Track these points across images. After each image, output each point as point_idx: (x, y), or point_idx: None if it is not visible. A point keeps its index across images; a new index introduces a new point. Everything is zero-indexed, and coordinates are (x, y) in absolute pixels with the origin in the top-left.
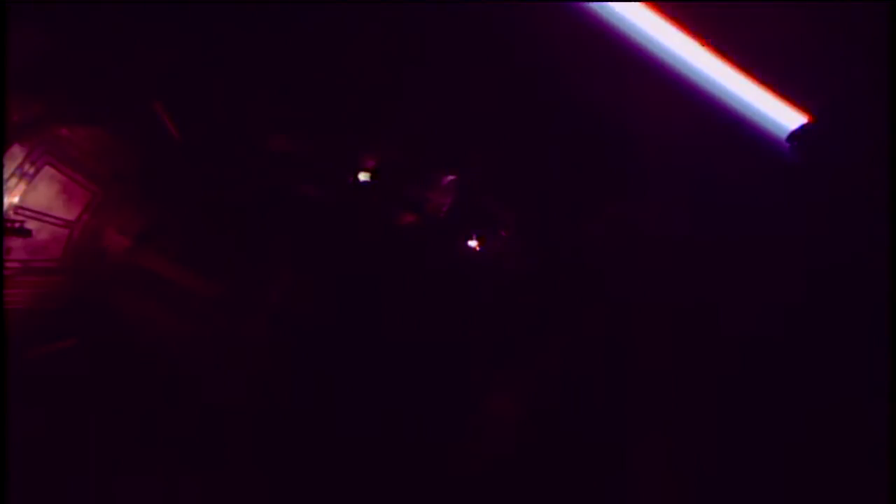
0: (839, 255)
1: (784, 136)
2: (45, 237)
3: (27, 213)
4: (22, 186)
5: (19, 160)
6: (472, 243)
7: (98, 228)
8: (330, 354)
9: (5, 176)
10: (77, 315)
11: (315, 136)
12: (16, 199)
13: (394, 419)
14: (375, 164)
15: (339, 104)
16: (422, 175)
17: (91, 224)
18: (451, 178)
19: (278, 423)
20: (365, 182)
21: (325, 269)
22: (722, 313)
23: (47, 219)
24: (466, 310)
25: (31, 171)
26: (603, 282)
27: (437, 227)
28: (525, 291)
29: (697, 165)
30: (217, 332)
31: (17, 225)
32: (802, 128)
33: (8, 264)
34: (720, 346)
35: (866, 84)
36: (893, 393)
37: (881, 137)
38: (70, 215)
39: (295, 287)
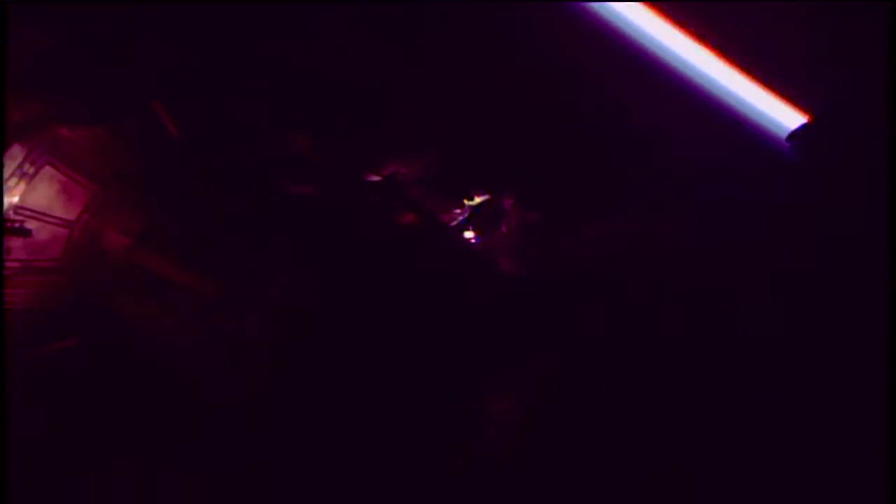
0: (839, 255)
1: (784, 136)
2: (45, 237)
3: (27, 213)
4: (22, 186)
5: (19, 160)
6: (469, 234)
7: (98, 228)
8: (330, 354)
9: (5, 176)
10: (77, 315)
11: (315, 136)
12: (16, 199)
13: (394, 419)
14: (385, 166)
15: (340, 104)
16: (423, 175)
17: (91, 224)
18: (451, 178)
19: (278, 423)
20: (376, 182)
21: (325, 268)
22: (722, 313)
23: (47, 219)
24: (466, 309)
25: (31, 171)
26: (603, 282)
27: (437, 226)
28: (525, 291)
29: (697, 165)
30: (217, 332)
31: (17, 225)
32: (802, 128)
33: (8, 264)
34: (720, 345)
35: (866, 84)
36: (893, 392)
37: (881, 137)
38: (70, 215)
39: (295, 287)
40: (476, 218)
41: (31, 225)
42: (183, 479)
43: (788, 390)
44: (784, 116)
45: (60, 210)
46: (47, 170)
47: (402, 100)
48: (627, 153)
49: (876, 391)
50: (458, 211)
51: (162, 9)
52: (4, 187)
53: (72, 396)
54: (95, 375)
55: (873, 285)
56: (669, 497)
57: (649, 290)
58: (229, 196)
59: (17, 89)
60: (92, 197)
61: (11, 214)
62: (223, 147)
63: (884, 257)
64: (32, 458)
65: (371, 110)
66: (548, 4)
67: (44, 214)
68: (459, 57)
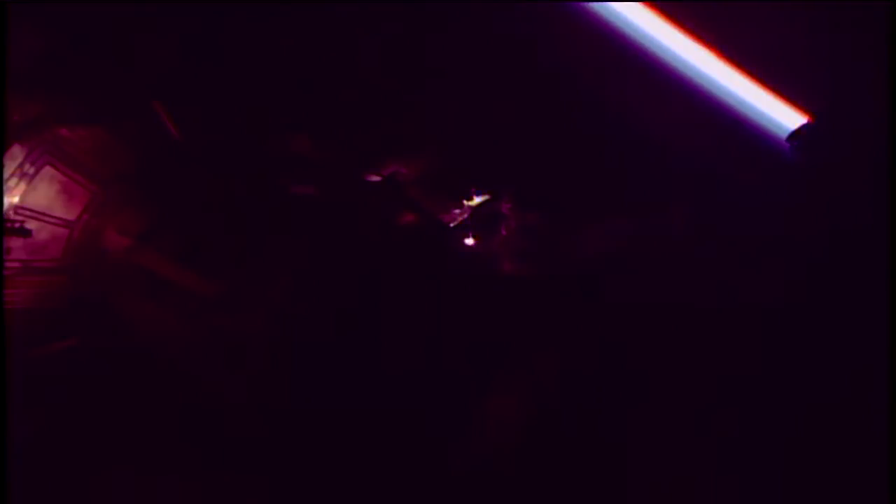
0: (839, 255)
1: (784, 136)
2: (45, 237)
3: (27, 213)
4: (22, 186)
5: (19, 160)
6: (469, 241)
7: (98, 228)
8: (330, 354)
9: (5, 176)
10: (77, 315)
11: (315, 136)
12: (16, 199)
13: (394, 419)
14: (385, 166)
15: (340, 104)
16: (423, 175)
17: (91, 224)
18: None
19: (278, 423)
20: (376, 182)
21: (325, 268)
22: (721, 313)
23: (47, 219)
24: (467, 310)
25: (31, 171)
26: (603, 282)
27: (438, 226)
28: (525, 291)
29: (697, 165)
30: (217, 332)
31: (17, 225)
32: (802, 128)
33: (8, 264)
34: (720, 345)
35: (866, 84)
36: (893, 392)
37: (881, 137)
38: (70, 215)
39: (295, 286)
40: (476, 219)
41: (31, 225)
42: (183, 479)
43: (788, 390)
44: (784, 116)
45: (60, 210)
46: (47, 170)
47: (402, 100)
48: (627, 153)
49: (876, 392)
50: (457, 211)
51: (162, 9)
52: (4, 187)
53: (72, 396)
54: (95, 375)
55: (874, 285)
56: (669, 497)
57: (649, 290)
58: (229, 196)
59: (17, 89)
60: (92, 197)
61: (11, 214)
62: (223, 147)
63: (884, 257)
64: (32, 458)
65: (371, 110)
66: (548, 4)
67: (44, 214)
68: (459, 57)
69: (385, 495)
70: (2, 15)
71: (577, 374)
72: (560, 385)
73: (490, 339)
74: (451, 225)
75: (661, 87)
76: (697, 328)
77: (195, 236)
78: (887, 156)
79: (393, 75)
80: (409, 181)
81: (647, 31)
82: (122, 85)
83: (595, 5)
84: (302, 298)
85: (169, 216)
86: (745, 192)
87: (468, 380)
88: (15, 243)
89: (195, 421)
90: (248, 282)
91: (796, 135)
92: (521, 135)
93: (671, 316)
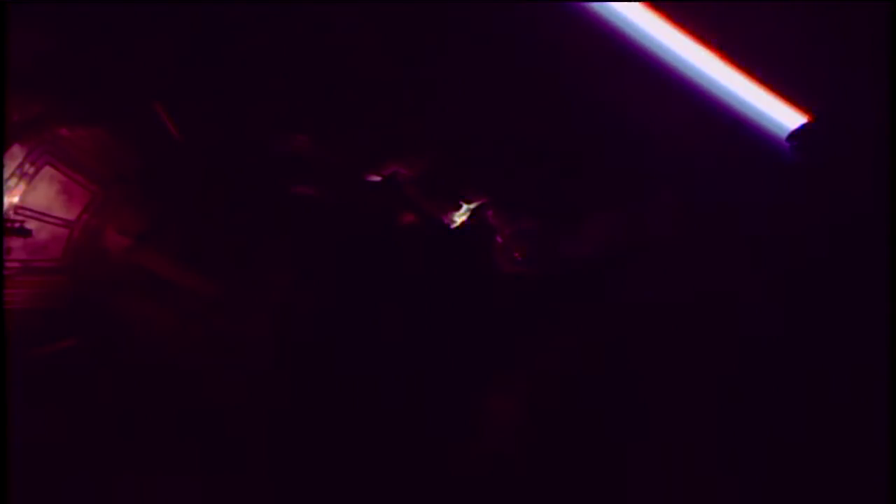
0: (839, 255)
1: (784, 136)
2: (45, 237)
3: (27, 213)
4: (22, 186)
5: (19, 160)
6: (469, 238)
7: (98, 228)
8: (331, 354)
9: (5, 176)
10: (77, 315)
11: (316, 136)
12: (16, 199)
13: (394, 419)
14: (385, 166)
15: (340, 104)
16: (423, 176)
17: (91, 224)
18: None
19: (279, 423)
20: (376, 182)
21: (326, 268)
22: (721, 313)
23: (47, 219)
24: (467, 310)
25: (31, 171)
26: (602, 282)
27: (437, 226)
28: (525, 291)
29: (697, 165)
30: (218, 332)
31: (17, 225)
32: (802, 128)
33: (8, 264)
34: (720, 345)
35: (866, 84)
36: (893, 393)
37: (881, 138)
38: (70, 215)
39: (296, 287)
40: (475, 220)
41: (31, 225)
42: (183, 479)
43: (789, 390)
44: (784, 116)
45: (60, 210)
46: (47, 170)
47: (402, 99)
48: (627, 154)
49: (877, 391)
50: (457, 212)
51: (162, 9)
52: (4, 187)
53: (72, 396)
54: (95, 375)
55: (874, 286)
56: (670, 497)
57: (648, 291)
58: (229, 196)
59: (17, 89)
60: (92, 197)
61: (11, 214)
62: (223, 147)
63: (884, 258)
64: (32, 458)
65: (371, 110)
66: (548, 4)
67: (44, 214)
68: (459, 57)
69: (385, 496)
70: (2, 15)
71: (577, 374)
72: (560, 385)
73: (490, 339)
74: (451, 225)
75: (661, 87)
76: (697, 327)
77: (195, 236)
78: (887, 156)
79: (393, 75)
80: (409, 181)
81: (647, 31)
82: (122, 85)
83: (595, 5)
84: (302, 298)
85: (169, 216)
86: (744, 192)
87: (468, 380)
88: (15, 243)
89: (195, 421)
90: (249, 282)
91: (796, 135)
92: (521, 136)
93: (671, 315)
